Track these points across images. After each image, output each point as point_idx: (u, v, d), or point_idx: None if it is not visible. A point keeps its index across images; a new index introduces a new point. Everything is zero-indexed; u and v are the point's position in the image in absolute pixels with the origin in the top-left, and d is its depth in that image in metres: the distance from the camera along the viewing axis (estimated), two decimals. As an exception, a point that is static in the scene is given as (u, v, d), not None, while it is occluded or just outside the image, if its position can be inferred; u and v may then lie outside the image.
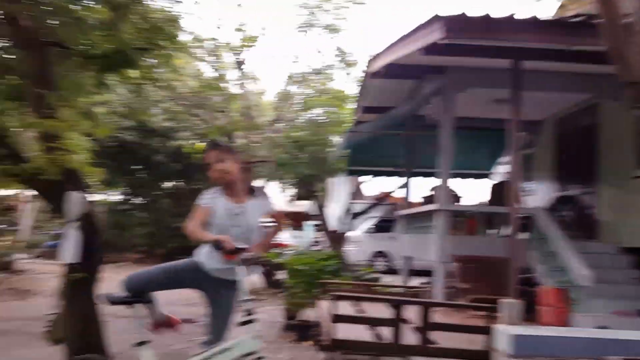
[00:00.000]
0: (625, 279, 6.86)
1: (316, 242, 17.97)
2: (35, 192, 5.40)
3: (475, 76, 7.62)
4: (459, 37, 6.25)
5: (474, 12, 6.15)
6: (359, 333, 3.76)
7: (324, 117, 11.80)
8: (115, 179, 16.39)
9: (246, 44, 11.85)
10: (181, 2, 5.15)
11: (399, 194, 11.80)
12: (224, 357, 2.88)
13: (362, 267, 10.55)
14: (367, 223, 16.74)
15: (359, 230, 16.36)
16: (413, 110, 9.18)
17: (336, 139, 11.10)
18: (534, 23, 6.23)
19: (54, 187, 4.18)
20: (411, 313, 3.66)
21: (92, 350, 4.16)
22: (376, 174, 13.20)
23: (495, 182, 10.73)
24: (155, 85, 9.20)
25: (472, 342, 3.44)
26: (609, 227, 8.13)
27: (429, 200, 9.33)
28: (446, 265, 7.68)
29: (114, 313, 4.23)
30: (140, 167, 17.51)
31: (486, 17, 6.18)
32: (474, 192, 25.69)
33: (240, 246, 2.98)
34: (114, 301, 3.21)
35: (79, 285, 4.25)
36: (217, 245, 2.96)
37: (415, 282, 9.16)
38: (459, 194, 10.04)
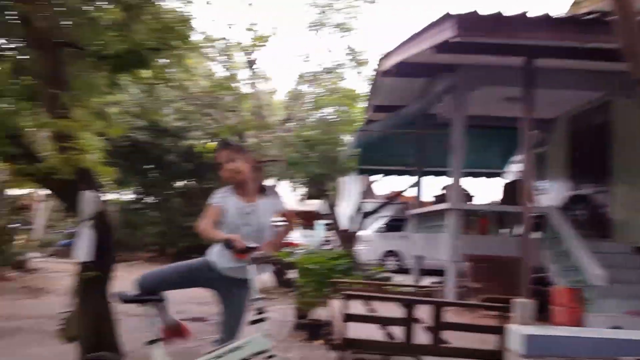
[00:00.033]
0: (639, 278, 6.78)
1: (327, 241, 17.99)
2: (49, 192, 5.45)
3: (487, 74, 7.59)
4: (470, 35, 6.24)
5: (485, 10, 6.12)
6: (370, 332, 3.75)
7: (335, 116, 11.81)
8: (128, 178, 16.52)
9: (257, 43, 11.87)
10: (193, 2, 5.20)
11: (410, 193, 11.78)
12: (235, 355, 2.88)
13: (373, 267, 10.55)
14: (378, 222, 16.67)
15: (370, 229, 16.31)
16: (424, 108, 9.13)
17: (347, 138, 11.09)
18: (546, 20, 6.18)
19: (68, 187, 4.21)
20: (423, 312, 3.65)
21: (105, 348, 4.19)
22: (387, 173, 13.19)
23: (508, 181, 10.68)
24: (167, 85, 9.25)
25: (484, 342, 3.42)
26: (622, 226, 8.06)
27: (440, 199, 9.31)
28: (458, 265, 7.65)
29: (126, 311, 4.27)
30: (152, 166, 17.63)
31: (498, 15, 6.15)
32: (486, 191, 25.65)
33: (251, 245, 2.99)
34: (127, 300, 3.23)
35: (92, 283, 4.29)
36: (228, 244, 2.97)
37: (427, 281, 9.11)
38: (471, 193, 9.99)
